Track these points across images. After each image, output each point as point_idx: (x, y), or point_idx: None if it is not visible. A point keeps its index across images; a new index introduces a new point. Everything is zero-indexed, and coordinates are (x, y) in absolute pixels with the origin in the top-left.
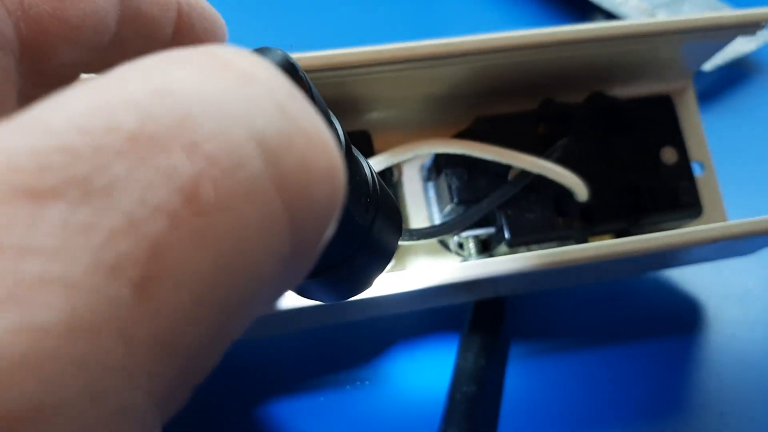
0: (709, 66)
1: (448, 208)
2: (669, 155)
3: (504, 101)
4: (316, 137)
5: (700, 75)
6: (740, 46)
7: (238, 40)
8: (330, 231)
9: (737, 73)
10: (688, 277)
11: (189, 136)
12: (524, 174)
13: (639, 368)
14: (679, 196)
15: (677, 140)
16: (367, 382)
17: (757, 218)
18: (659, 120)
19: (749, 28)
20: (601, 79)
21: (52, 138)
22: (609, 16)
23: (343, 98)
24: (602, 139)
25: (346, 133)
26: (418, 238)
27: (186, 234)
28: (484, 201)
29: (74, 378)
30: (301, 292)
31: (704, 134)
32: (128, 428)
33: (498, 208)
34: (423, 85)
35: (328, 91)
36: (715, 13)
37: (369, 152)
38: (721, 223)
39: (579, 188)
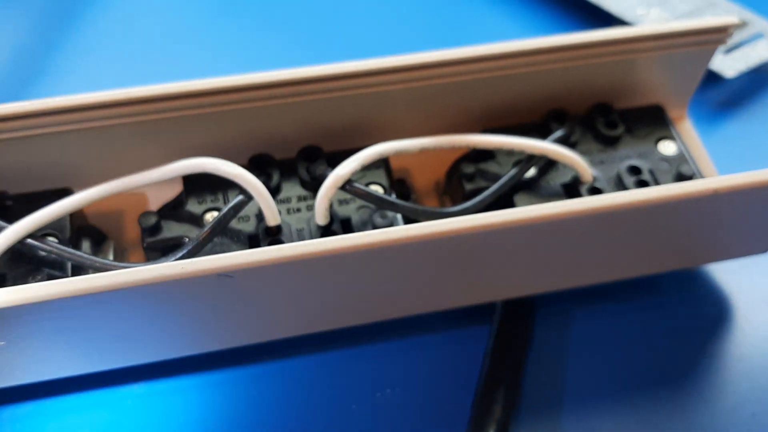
0: (732, 72)
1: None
2: (666, 147)
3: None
4: None
5: (723, 82)
6: (764, 52)
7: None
8: None
9: (761, 78)
10: (717, 278)
11: None
12: (529, 158)
13: (668, 370)
14: (681, 175)
15: (673, 137)
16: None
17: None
18: (654, 122)
19: (713, 36)
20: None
21: None
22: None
23: (354, 118)
24: (600, 136)
25: None
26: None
27: None
28: (492, 186)
29: None
30: None
31: (708, 157)
32: None
33: (511, 197)
34: (434, 97)
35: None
36: (673, 24)
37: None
38: (719, 177)
39: (583, 168)
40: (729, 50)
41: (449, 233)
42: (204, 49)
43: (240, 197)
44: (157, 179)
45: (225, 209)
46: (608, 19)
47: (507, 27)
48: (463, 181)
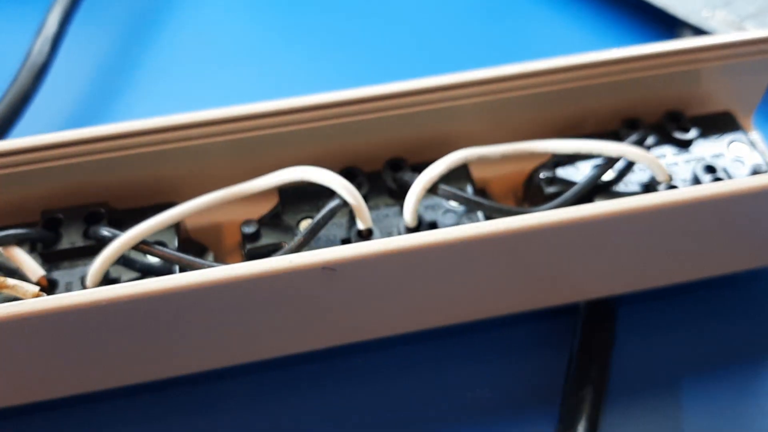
0: None
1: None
2: (739, 149)
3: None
4: None
5: None
6: None
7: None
8: None
9: None
10: None
11: None
12: (607, 161)
13: (744, 361)
14: (756, 172)
15: (744, 139)
16: None
17: None
18: (724, 126)
19: None
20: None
21: None
22: (697, 31)
23: (434, 131)
24: (674, 140)
25: None
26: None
27: None
28: (572, 188)
29: None
30: None
31: None
32: None
33: (590, 200)
34: (509, 109)
35: (426, 127)
36: (737, 33)
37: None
38: None
39: (660, 168)
40: None
41: (536, 227)
42: (279, 69)
43: (336, 201)
44: (259, 189)
45: (322, 212)
46: (673, 22)
47: (572, 33)
48: (543, 185)
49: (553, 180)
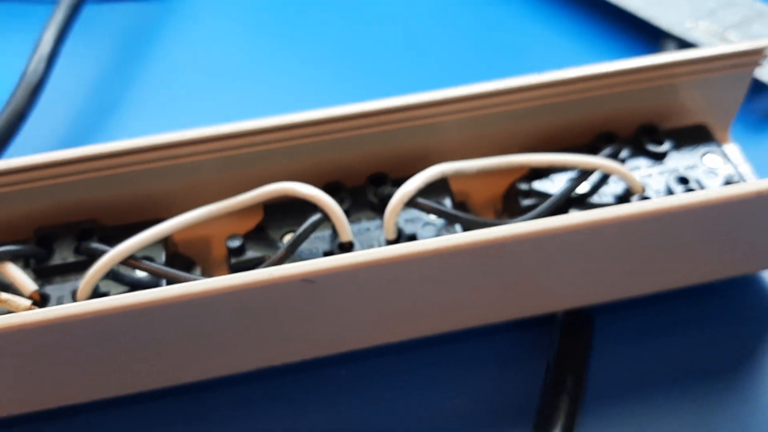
0: None
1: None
2: (712, 160)
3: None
4: None
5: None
6: None
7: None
8: None
9: None
10: None
11: None
12: (582, 173)
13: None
14: (729, 183)
15: (718, 151)
16: None
17: None
18: (698, 139)
19: (748, 58)
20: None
21: None
22: (680, 41)
23: (415, 147)
24: (648, 153)
25: None
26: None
27: None
28: (547, 200)
29: None
30: None
31: (755, 174)
32: None
33: (565, 212)
34: (487, 125)
35: (406, 142)
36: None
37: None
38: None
39: (633, 180)
40: None
41: (510, 238)
42: (268, 86)
43: (317, 216)
44: (244, 204)
45: (303, 226)
46: (657, 33)
47: (557, 45)
48: (519, 197)
49: (530, 192)
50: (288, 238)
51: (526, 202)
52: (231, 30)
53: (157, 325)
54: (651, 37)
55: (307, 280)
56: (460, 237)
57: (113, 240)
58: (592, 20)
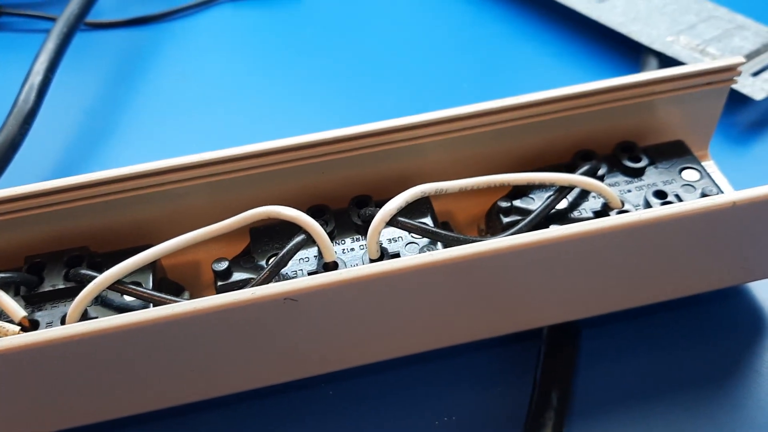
0: (762, 94)
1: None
2: (689, 175)
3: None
4: None
5: (753, 104)
6: None
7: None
8: None
9: None
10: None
11: None
12: (561, 189)
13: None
14: (705, 196)
15: (695, 166)
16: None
17: None
18: (676, 154)
19: (722, 75)
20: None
21: None
22: (661, 56)
23: (397, 169)
24: (626, 169)
25: None
26: None
27: None
28: (528, 217)
29: None
30: None
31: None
32: None
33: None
34: (468, 146)
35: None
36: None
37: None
38: (739, 191)
39: (611, 196)
40: (757, 72)
41: (488, 253)
42: (255, 112)
43: (300, 236)
44: (229, 228)
45: (287, 247)
46: (638, 48)
47: (539, 62)
48: (501, 215)
49: (511, 210)
50: (273, 261)
51: (508, 219)
52: (225, 51)
53: (142, 346)
54: (632, 51)
55: (290, 299)
56: (440, 253)
57: (103, 267)
58: (573, 37)
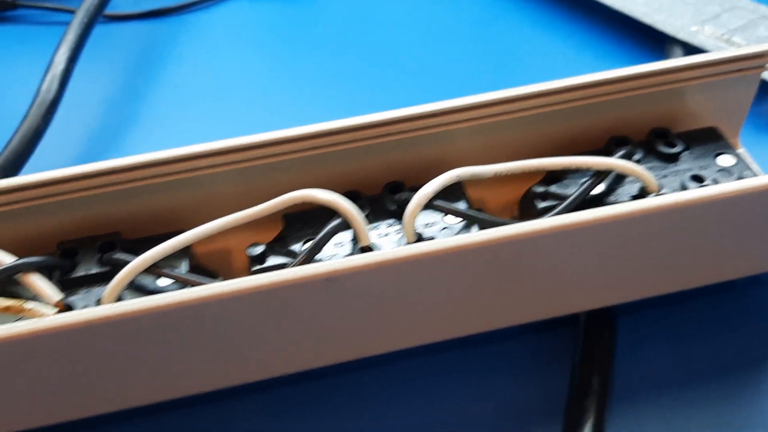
0: None
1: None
2: (725, 160)
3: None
4: None
5: None
6: None
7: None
8: None
9: None
10: None
11: None
12: (597, 174)
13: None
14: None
15: (730, 151)
16: None
17: None
18: (710, 140)
19: (752, 62)
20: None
21: None
22: (686, 46)
23: (431, 154)
24: (661, 155)
25: None
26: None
27: None
28: (564, 202)
29: None
30: None
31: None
32: None
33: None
34: (502, 132)
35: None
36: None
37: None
38: None
39: (648, 180)
40: None
41: (527, 235)
42: (282, 98)
43: (337, 220)
44: (265, 212)
45: (324, 231)
46: (662, 39)
47: (564, 53)
48: (536, 200)
49: (546, 195)
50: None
51: (543, 204)
52: (243, 44)
53: (183, 327)
54: (656, 42)
55: (330, 280)
56: (480, 234)
57: (135, 252)
58: (597, 27)
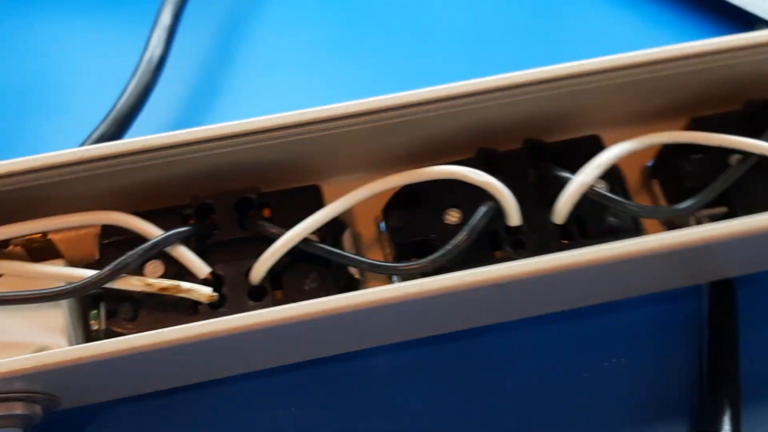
0: None
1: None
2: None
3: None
4: None
5: None
6: None
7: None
8: None
9: None
10: None
11: None
12: (746, 156)
13: None
14: None
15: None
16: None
17: None
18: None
19: None
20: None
21: None
22: None
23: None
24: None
25: None
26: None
27: None
28: (715, 182)
29: None
30: None
31: None
32: None
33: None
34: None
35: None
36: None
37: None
38: None
39: None
40: None
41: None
42: (369, 67)
43: (490, 205)
44: (411, 180)
45: (479, 216)
46: (749, 20)
47: (647, 32)
48: (687, 179)
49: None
50: (453, 214)
51: (689, 183)
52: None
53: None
54: (744, 23)
55: (497, 285)
56: (648, 241)
57: (273, 210)
58: (682, 7)
